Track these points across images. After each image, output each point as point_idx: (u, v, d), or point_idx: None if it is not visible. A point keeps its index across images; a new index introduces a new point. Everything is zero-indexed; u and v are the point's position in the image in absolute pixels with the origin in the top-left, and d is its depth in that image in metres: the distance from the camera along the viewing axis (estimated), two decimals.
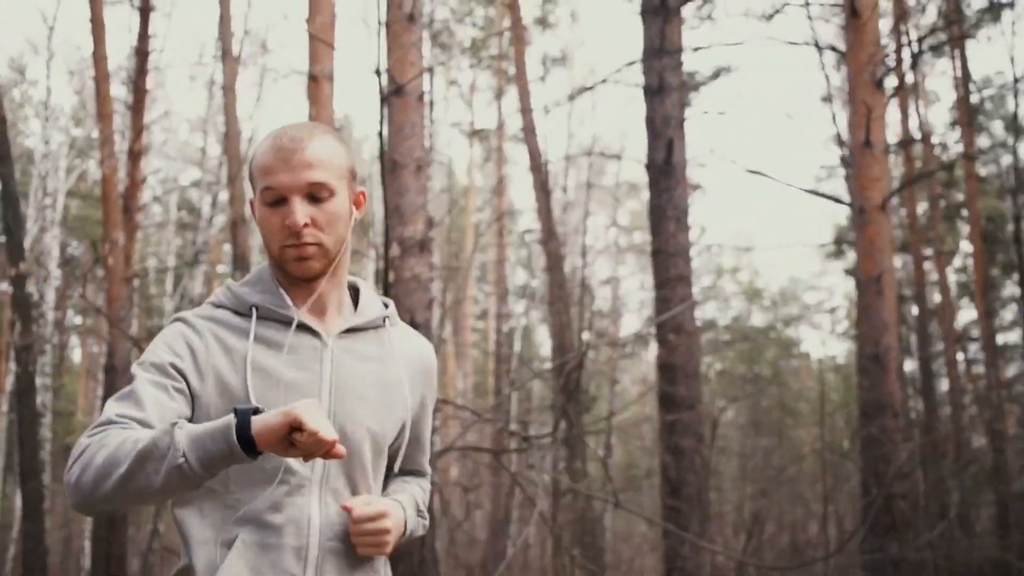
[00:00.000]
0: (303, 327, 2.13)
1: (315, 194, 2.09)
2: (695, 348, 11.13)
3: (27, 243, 26.68)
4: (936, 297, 19.22)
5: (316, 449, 1.80)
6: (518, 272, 31.27)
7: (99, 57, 12.61)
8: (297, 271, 2.11)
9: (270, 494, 2.04)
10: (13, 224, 10.54)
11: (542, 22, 22.66)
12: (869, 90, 9.77)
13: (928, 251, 18.61)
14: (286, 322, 2.13)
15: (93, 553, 13.42)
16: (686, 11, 13.70)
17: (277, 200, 2.09)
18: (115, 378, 12.03)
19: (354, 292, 2.29)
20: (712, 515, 11.48)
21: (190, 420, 2.04)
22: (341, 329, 2.18)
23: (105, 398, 13.11)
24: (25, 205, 28.72)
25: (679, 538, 9.80)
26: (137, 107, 15.93)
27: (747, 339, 32.36)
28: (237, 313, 2.16)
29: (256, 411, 1.85)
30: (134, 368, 2.09)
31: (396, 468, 2.31)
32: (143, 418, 1.98)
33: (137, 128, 15.87)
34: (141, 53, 15.98)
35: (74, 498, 1.93)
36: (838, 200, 13.52)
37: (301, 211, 2.07)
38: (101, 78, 13.06)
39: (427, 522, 2.35)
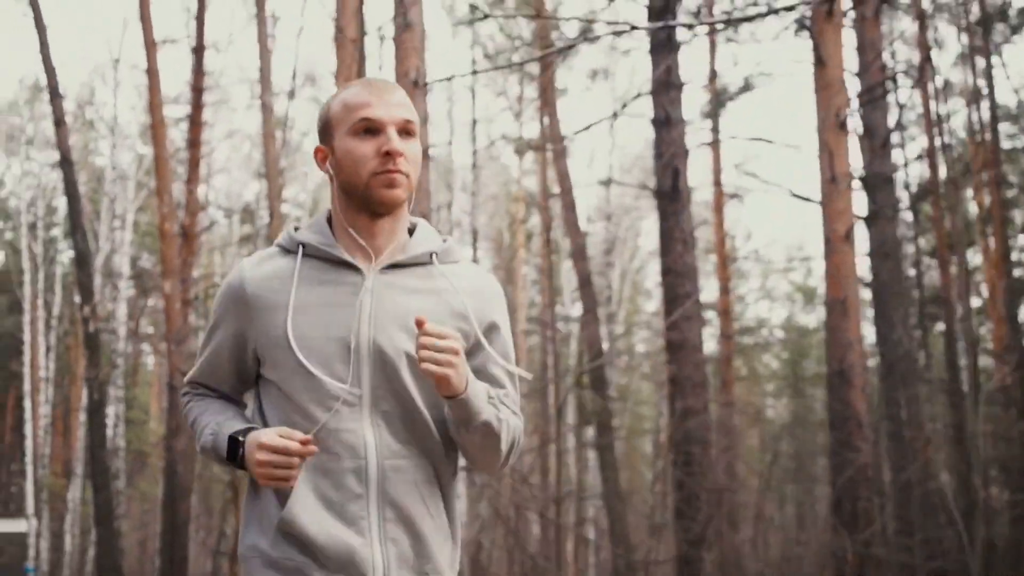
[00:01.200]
0: (345, 264, 2.28)
1: (407, 130, 2.27)
2: (701, 362, 12.13)
3: (99, 260, 28.50)
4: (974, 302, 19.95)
5: (280, 461, 2.14)
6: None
7: (155, 106, 13.90)
8: (386, 197, 2.25)
9: (325, 423, 2.21)
10: (83, 269, 11.85)
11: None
12: (833, 132, 10.72)
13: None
14: (331, 259, 2.30)
15: (161, 554, 14.77)
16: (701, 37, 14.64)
17: (369, 131, 2.25)
18: (177, 396, 13.34)
19: (412, 232, 2.42)
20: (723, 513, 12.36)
21: (246, 357, 2.36)
22: (383, 265, 2.30)
23: (171, 411, 14.37)
24: (97, 223, 30.49)
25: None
26: (193, 140, 17.26)
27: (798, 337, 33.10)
28: (289, 252, 2.34)
29: (249, 430, 2.25)
30: (209, 320, 2.44)
31: None
32: (208, 383, 2.44)
33: (194, 160, 17.18)
34: (196, 90, 17.33)
35: None
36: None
37: (397, 139, 2.25)
38: (157, 123, 14.35)
39: (511, 431, 2.34)
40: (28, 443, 29.97)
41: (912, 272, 20.57)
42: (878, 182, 14.36)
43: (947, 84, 20.53)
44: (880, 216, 13.98)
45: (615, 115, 14.00)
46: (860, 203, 14.85)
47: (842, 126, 10.73)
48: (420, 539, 2.24)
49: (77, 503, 29.27)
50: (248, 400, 2.49)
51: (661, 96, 12.46)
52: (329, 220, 2.37)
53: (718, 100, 19.71)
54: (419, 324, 2.13)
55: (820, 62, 10.68)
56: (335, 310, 2.23)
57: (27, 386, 30.74)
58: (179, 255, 14.48)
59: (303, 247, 2.30)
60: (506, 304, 2.43)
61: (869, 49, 14.63)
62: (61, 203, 33.37)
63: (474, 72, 12.18)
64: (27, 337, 30.97)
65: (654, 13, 12.54)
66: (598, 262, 29.40)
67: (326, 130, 2.33)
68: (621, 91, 26.48)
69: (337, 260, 2.27)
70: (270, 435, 2.14)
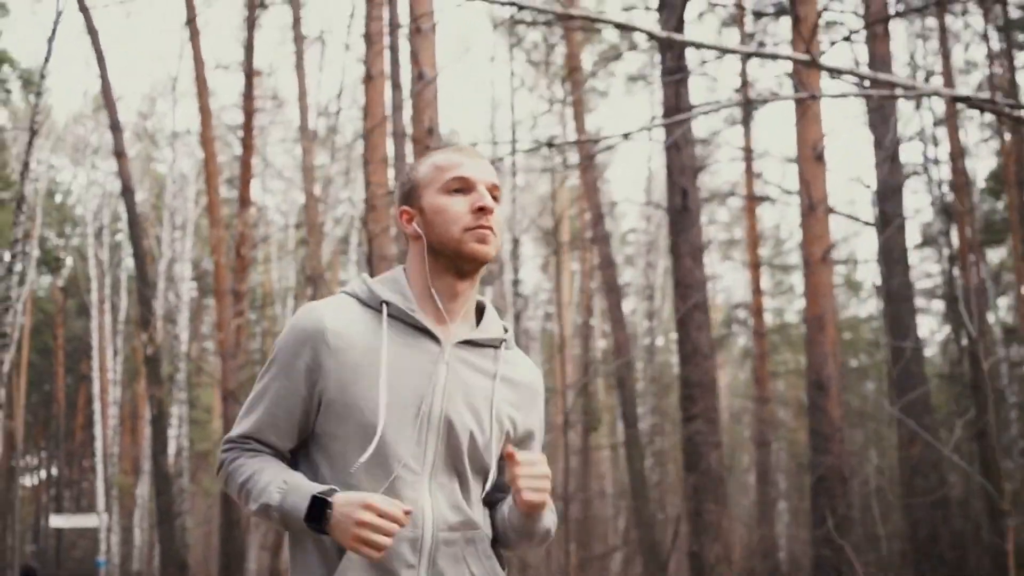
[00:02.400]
0: (425, 331, 2.29)
1: (493, 194, 2.33)
2: (711, 368, 13.15)
3: (162, 265, 30.06)
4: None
5: (383, 526, 2.08)
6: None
7: (207, 140, 15.19)
8: (479, 252, 2.27)
9: (386, 488, 2.20)
10: (144, 294, 13.15)
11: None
12: (811, 163, 11.71)
13: None
14: (411, 323, 2.29)
15: (221, 550, 16.15)
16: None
17: (461, 189, 2.30)
18: (229, 405, 14.68)
19: (479, 311, 2.44)
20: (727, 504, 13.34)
21: (308, 417, 2.29)
22: (460, 339, 2.31)
23: (224, 418, 15.67)
24: (159, 228, 32.05)
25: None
26: (245, 161, 18.59)
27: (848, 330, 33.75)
28: (366, 306, 2.32)
29: (332, 491, 2.15)
30: (265, 369, 2.34)
31: (508, 492, 2.39)
32: (264, 439, 2.30)
33: (245, 179, 18.51)
34: (248, 112, 18.64)
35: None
36: (855, 218, 15.35)
37: (489, 197, 2.31)
38: (210, 159, 15.66)
39: (555, 524, 2.45)
40: (98, 443, 31.67)
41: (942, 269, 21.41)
42: (887, 191, 15.27)
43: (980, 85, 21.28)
44: (889, 224, 14.90)
45: (626, 136, 14.96)
46: (869, 212, 15.76)
47: (818, 157, 11.73)
48: None
49: (145, 499, 30.84)
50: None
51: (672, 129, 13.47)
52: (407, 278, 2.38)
53: (748, 109, 20.58)
54: (510, 456, 2.19)
55: (799, 102, 11.69)
56: (412, 376, 2.24)
57: (96, 388, 32.40)
58: (231, 278, 15.79)
59: (387, 306, 2.30)
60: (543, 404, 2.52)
61: (879, 63, 15.52)
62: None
63: (513, 152, 13.17)
64: (95, 341, 32.60)
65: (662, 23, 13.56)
66: (644, 261, 30.47)
67: (413, 191, 2.36)
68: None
69: (418, 326, 2.29)
70: (378, 497, 2.11)
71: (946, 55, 19.30)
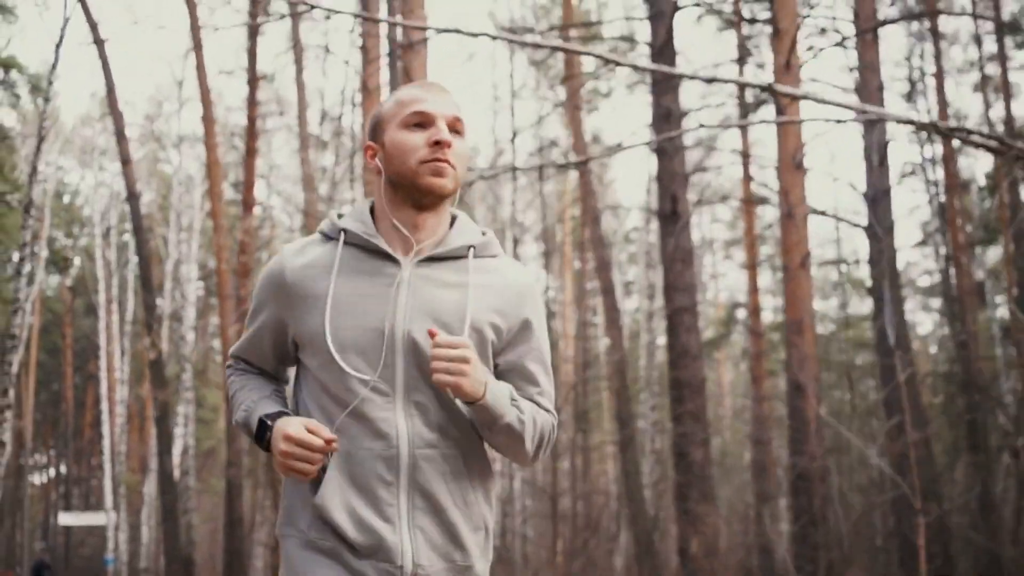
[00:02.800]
0: (384, 254, 2.34)
1: (455, 128, 2.36)
2: (699, 369, 13.58)
3: (169, 266, 30.55)
4: None
5: (304, 455, 2.20)
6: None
7: (212, 163, 15.63)
8: (434, 185, 2.30)
9: (352, 410, 2.28)
10: (148, 300, 13.63)
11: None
12: (790, 172, 12.12)
13: None
14: (370, 249, 2.35)
15: (224, 547, 16.62)
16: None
17: (421, 124, 2.33)
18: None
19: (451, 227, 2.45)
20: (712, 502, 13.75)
21: (286, 341, 2.45)
22: (421, 258, 2.34)
23: (227, 420, 16.07)
24: (166, 228, 32.54)
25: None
26: (249, 166, 19.02)
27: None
28: (330, 239, 2.40)
29: (280, 414, 2.33)
30: (250, 310, 2.54)
31: None
32: (250, 360, 2.53)
33: (249, 184, 18.94)
34: (251, 119, 19.08)
35: None
36: (852, 223, 15.76)
37: (446, 131, 2.33)
38: (213, 169, 16.10)
39: (536, 426, 2.41)
40: (105, 441, 32.18)
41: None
42: (877, 195, 15.65)
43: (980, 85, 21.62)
44: (878, 227, 15.29)
45: (619, 145, 15.46)
46: (863, 216, 16.15)
47: (798, 166, 12.13)
48: (450, 528, 2.30)
49: (153, 497, 31.34)
50: (291, 374, 2.59)
51: (661, 128, 13.90)
52: (372, 211, 2.43)
53: (745, 111, 20.94)
54: (431, 335, 2.23)
55: (779, 110, 12.10)
56: (371, 301, 2.29)
57: (103, 388, 32.89)
58: (234, 283, 16.26)
59: (344, 234, 2.36)
60: (542, 301, 2.50)
61: (868, 70, 15.91)
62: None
63: (513, 170, 13.58)
64: (102, 341, 33.09)
65: (655, 52, 14.00)
66: (645, 261, 30.85)
67: (377, 126, 2.41)
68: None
69: (376, 250, 2.34)
70: (296, 427, 2.21)
71: (940, 73, 19.65)
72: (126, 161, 17.02)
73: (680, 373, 13.40)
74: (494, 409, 2.28)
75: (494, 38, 6.43)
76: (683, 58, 17.17)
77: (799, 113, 12.06)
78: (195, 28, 17.54)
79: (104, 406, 32.90)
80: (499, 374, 2.41)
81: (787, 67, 11.80)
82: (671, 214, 13.63)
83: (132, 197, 17.36)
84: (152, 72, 56.91)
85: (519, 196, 26.19)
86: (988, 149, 5.95)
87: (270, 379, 2.53)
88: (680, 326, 13.49)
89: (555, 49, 9.51)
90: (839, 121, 5.70)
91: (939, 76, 19.66)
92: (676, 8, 13.99)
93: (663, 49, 13.88)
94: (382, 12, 12.93)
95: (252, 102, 19.10)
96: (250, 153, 18.98)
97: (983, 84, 20.18)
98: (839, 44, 17.53)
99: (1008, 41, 20.20)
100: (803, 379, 11.74)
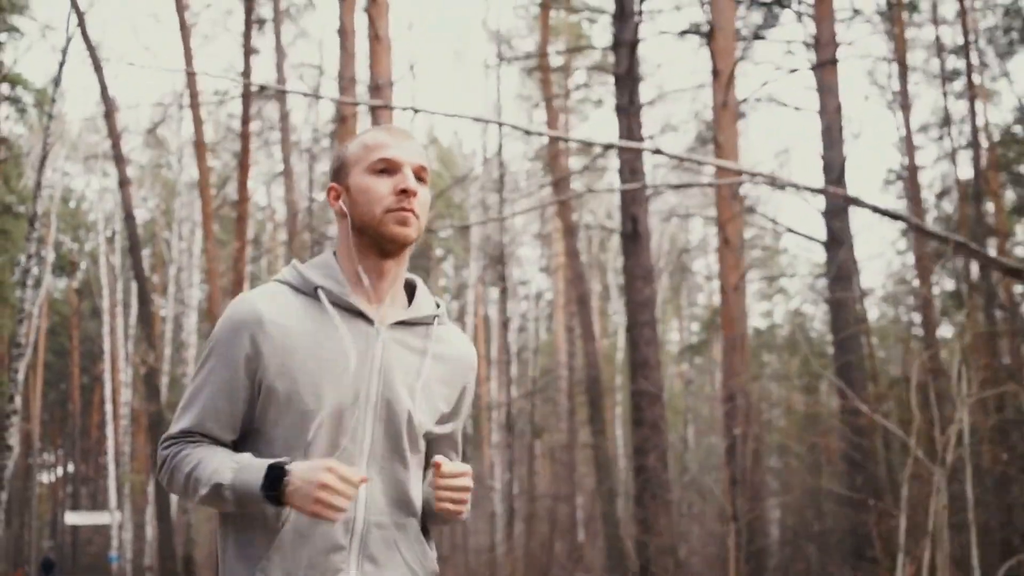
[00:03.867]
0: (359, 313, 2.33)
1: (419, 175, 2.36)
2: (658, 380, 14.65)
3: (172, 270, 31.67)
4: None
5: (344, 490, 2.12)
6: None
7: (204, 189, 16.76)
8: (398, 234, 2.31)
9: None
10: (146, 323, 14.65)
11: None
12: (728, 203, 13.18)
13: None
14: (345, 307, 2.33)
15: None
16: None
17: (386, 170, 2.34)
18: None
19: (410, 289, 2.48)
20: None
21: (250, 404, 2.31)
22: (394, 320, 2.35)
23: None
24: (169, 233, 33.68)
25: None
26: (242, 180, 20.10)
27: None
28: (299, 292, 2.36)
29: (283, 471, 2.15)
30: (202, 362, 2.36)
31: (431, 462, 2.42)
32: (206, 430, 2.31)
33: (242, 197, 20.04)
34: (244, 136, 20.16)
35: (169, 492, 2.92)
36: (811, 237, 16.82)
37: (413, 179, 2.33)
38: (204, 184, 17.22)
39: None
40: (109, 443, 33.38)
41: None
42: (834, 210, 16.70)
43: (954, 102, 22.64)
44: (836, 242, 16.33)
45: (585, 168, 16.56)
46: (821, 230, 17.20)
47: (734, 196, 13.18)
48: None
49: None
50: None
51: (625, 151, 14.96)
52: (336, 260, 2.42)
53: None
54: (436, 465, 2.25)
55: (717, 144, 13.16)
56: (347, 362, 2.27)
57: (108, 390, 34.06)
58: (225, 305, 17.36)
59: (321, 291, 2.33)
60: (476, 375, 2.58)
61: (827, 92, 16.95)
62: (138, 215, 36.83)
63: (502, 219, 14.60)
64: (107, 346, 34.25)
65: (619, 81, 15.08)
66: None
67: (342, 169, 2.40)
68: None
69: (352, 309, 2.32)
70: (335, 462, 2.14)
71: (904, 92, 20.69)
72: (124, 183, 18.11)
73: (640, 383, 14.47)
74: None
75: (475, 119, 7.52)
76: (650, 83, 18.19)
77: (736, 149, 13.12)
78: (188, 57, 18.65)
79: (108, 408, 34.04)
80: (433, 439, 2.47)
81: (724, 106, 12.88)
82: (632, 234, 14.68)
83: (129, 217, 18.47)
84: (153, 82, 58.08)
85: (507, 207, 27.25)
86: (936, 237, 6.96)
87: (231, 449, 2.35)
88: (640, 339, 14.56)
89: (530, 133, 10.50)
90: (770, 183, 6.73)
91: (905, 96, 20.67)
92: (636, 41, 15.05)
93: (626, 77, 14.95)
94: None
95: (245, 119, 20.16)
96: (244, 169, 20.05)
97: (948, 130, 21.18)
98: (793, 71, 18.58)
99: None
100: (737, 390, 12.81)
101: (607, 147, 11.36)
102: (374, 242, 2.33)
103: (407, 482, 2.35)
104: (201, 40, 27.81)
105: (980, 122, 20.64)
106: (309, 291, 2.33)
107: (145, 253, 38.66)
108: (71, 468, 50.10)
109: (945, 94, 20.89)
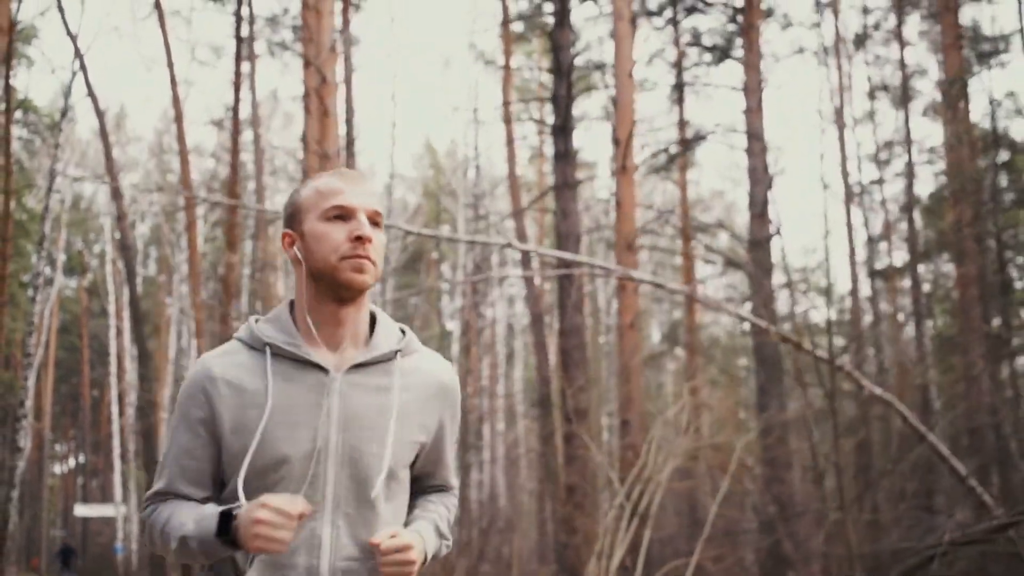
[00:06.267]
0: (312, 364, 2.36)
1: (374, 220, 2.40)
2: (585, 399, 17.06)
3: (175, 280, 34.08)
4: None
5: (279, 522, 2.16)
6: None
7: (191, 222, 19.17)
8: (355, 281, 2.34)
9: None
10: (144, 363, 16.97)
11: None
12: (626, 253, 15.59)
13: None
14: (297, 359, 2.37)
15: None
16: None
17: (341, 217, 2.37)
18: None
19: (373, 322, 2.50)
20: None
21: (216, 459, 2.39)
22: (349, 365, 2.38)
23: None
24: (175, 238, 36.06)
25: None
26: (232, 207, 22.48)
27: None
28: (253, 348, 2.41)
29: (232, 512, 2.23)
30: (172, 424, 2.47)
31: (423, 484, 2.60)
32: (179, 489, 2.40)
33: (232, 222, 22.43)
34: (234, 167, 22.53)
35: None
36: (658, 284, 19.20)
37: (368, 226, 2.37)
38: (193, 254, 19.63)
39: (450, 542, 2.62)
40: (115, 440, 35.89)
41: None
42: (759, 243, 19.07)
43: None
44: (758, 271, 18.71)
45: (526, 208, 18.99)
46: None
47: (629, 247, 15.57)
48: None
49: None
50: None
51: (562, 193, 17.37)
52: (292, 310, 2.46)
53: (670, 158, 24.25)
54: (374, 545, 2.29)
55: (618, 204, 15.57)
56: (302, 412, 2.32)
57: (114, 391, 36.43)
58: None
59: (270, 347, 2.37)
60: (458, 387, 2.61)
61: (753, 137, 19.31)
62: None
63: (489, 278, 16.99)
64: (113, 348, 36.65)
65: (557, 130, 17.50)
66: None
67: (295, 216, 2.43)
68: None
69: (304, 360, 2.35)
70: (273, 497, 2.20)
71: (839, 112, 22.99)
72: (121, 216, 20.49)
73: (569, 402, 16.89)
74: (429, 557, 2.46)
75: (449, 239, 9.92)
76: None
77: (634, 206, 15.55)
78: (176, 103, 21.09)
79: (115, 408, 36.39)
80: (421, 462, 2.54)
81: (624, 170, 15.30)
82: (565, 266, 17.09)
83: (126, 248, 20.86)
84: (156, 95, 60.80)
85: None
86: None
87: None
88: (570, 361, 16.99)
89: (504, 247, 12.74)
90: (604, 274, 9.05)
91: (840, 114, 22.97)
92: (571, 96, 17.48)
93: (561, 129, 17.38)
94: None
95: (235, 151, 22.47)
96: (232, 195, 22.38)
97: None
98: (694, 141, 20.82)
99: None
100: (631, 416, 15.21)
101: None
102: (330, 288, 2.37)
103: (379, 525, 2.38)
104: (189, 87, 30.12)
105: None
106: (259, 347, 2.40)
107: (150, 256, 41.28)
108: (82, 459, 52.40)
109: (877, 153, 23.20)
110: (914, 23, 23.71)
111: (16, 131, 27.84)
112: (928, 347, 22.26)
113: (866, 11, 24.38)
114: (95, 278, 42.24)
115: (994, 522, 9.34)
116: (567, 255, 10.72)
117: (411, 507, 2.56)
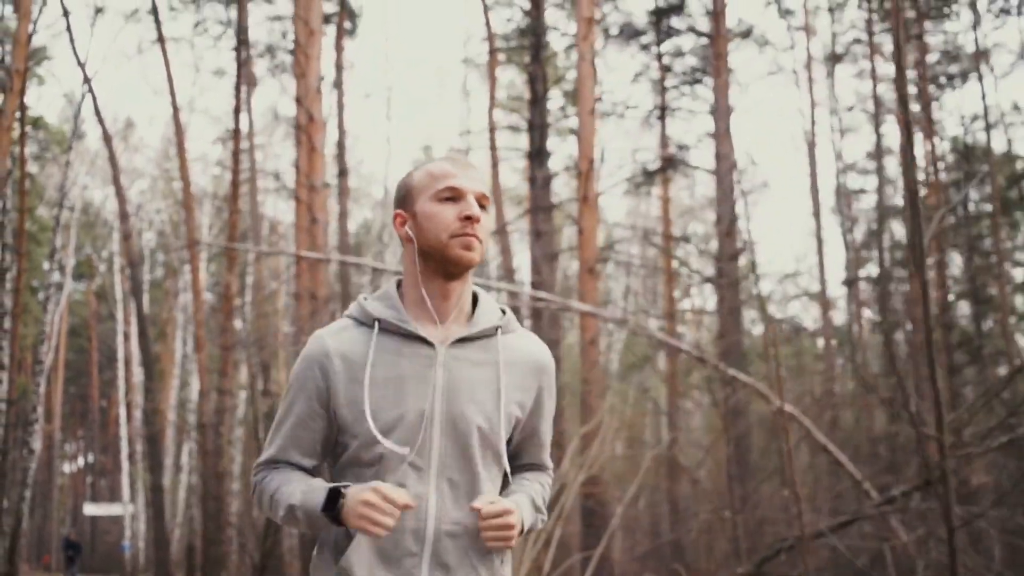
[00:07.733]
0: (419, 338, 2.54)
1: (481, 203, 2.59)
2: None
3: (181, 282, 35.43)
4: None
5: (385, 508, 2.34)
6: None
7: (191, 243, 20.71)
8: (463, 258, 2.53)
9: (393, 481, 2.47)
10: (150, 376, 18.34)
11: None
12: (587, 278, 17.08)
13: None
14: (404, 334, 2.55)
15: (203, 550, 21.66)
16: None
17: (452, 198, 2.56)
18: (206, 402, 20.23)
19: (474, 302, 2.69)
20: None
21: (331, 424, 2.58)
22: (453, 339, 2.56)
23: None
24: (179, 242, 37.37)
25: None
26: (232, 222, 23.87)
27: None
28: (363, 324, 2.60)
29: (342, 489, 2.43)
30: (284, 396, 2.66)
31: (518, 463, 2.77)
32: (290, 458, 2.61)
33: (232, 236, 23.89)
34: (234, 184, 23.93)
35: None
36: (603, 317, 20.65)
37: (476, 206, 2.56)
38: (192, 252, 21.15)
39: (545, 516, 2.77)
40: (123, 442, 37.32)
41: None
42: (725, 256, 20.53)
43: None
44: (726, 285, 20.18)
45: (503, 228, 20.52)
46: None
47: (590, 271, 17.03)
48: None
49: (168, 491, 36.10)
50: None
51: (536, 215, 18.84)
52: (398, 286, 2.67)
53: (647, 175, 25.67)
54: (476, 510, 2.45)
55: (580, 231, 17.06)
56: (410, 382, 2.50)
57: (121, 395, 37.81)
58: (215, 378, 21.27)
59: (379, 322, 2.56)
60: (555, 372, 2.76)
61: (722, 158, 20.76)
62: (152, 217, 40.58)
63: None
64: (120, 353, 38.08)
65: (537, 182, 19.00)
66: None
67: (408, 197, 2.63)
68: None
69: (411, 335, 2.54)
70: (385, 484, 2.38)
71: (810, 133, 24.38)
72: (127, 236, 21.88)
73: None
74: (526, 528, 2.61)
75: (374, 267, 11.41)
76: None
77: (596, 233, 17.04)
78: (179, 133, 22.51)
79: (122, 411, 37.77)
80: (517, 439, 2.73)
81: (585, 200, 16.80)
82: (539, 286, 18.56)
83: (133, 265, 22.27)
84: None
85: None
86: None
87: (310, 475, 2.63)
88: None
89: (496, 288, 14.15)
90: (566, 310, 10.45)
91: (811, 151, 24.37)
92: (546, 124, 18.97)
93: (537, 155, 18.88)
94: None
95: (236, 168, 23.81)
96: (233, 211, 23.75)
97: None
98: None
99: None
100: (594, 427, 16.68)
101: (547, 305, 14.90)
102: (440, 265, 2.55)
103: (482, 492, 2.54)
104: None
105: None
106: (369, 323, 2.58)
107: (157, 261, 42.72)
108: (91, 459, 53.70)
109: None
110: (887, 40, 24.91)
111: (28, 146, 29.36)
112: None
113: (835, 37, 25.79)
114: (103, 283, 43.40)
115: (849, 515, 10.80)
116: (512, 287, 12.20)
117: (506, 484, 2.71)
